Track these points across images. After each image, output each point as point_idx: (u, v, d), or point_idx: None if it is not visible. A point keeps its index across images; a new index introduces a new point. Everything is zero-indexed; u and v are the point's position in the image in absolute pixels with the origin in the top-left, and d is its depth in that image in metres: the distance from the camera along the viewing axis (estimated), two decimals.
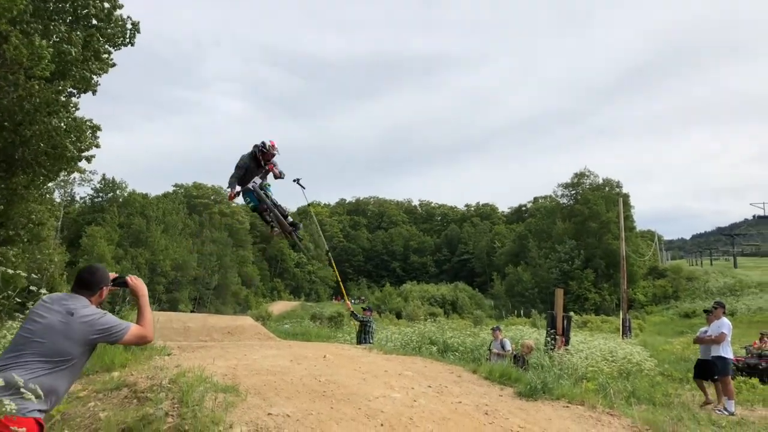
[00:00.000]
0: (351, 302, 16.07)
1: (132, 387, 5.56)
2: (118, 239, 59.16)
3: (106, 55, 16.21)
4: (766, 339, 16.37)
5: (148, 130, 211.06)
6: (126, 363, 6.55)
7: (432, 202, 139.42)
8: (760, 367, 14.55)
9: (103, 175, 63.82)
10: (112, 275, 3.65)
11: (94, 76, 16.09)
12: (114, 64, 16.70)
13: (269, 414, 4.54)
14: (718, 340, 10.59)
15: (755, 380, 13.52)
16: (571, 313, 23.11)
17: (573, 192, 75.99)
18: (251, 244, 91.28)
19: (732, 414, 9.90)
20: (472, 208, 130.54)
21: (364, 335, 14.22)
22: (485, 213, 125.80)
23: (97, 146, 16.15)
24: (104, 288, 3.55)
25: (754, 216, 52.62)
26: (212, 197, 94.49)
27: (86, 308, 3.34)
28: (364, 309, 15.96)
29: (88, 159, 16.15)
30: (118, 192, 64.70)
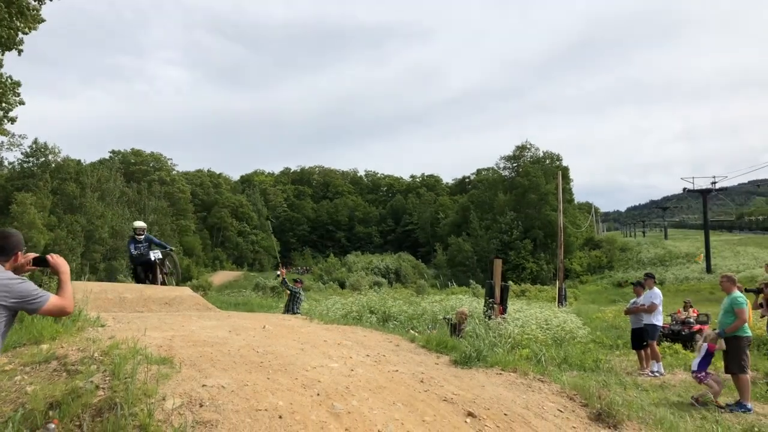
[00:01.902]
0: (285, 272, 16.23)
1: (62, 360, 5.40)
2: (51, 206, 56.86)
3: (33, 12, 15.28)
4: (689, 307, 17.27)
5: (86, 97, 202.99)
6: (56, 335, 6.35)
7: (378, 173, 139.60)
8: (683, 333, 15.35)
9: (35, 139, 60.94)
10: (31, 255, 3.59)
11: (20, 34, 15.19)
12: (43, 20, 15.76)
13: (204, 386, 4.51)
14: (650, 309, 11.21)
15: (678, 346, 14.28)
16: (510, 282, 23.81)
17: (514, 164, 77.46)
18: (192, 213, 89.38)
19: (661, 374, 10.56)
20: (418, 179, 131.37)
21: (292, 305, 14.47)
22: (430, 184, 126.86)
23: (21, 103, 15.36)
24: (18, 253, 3.48)
25: (684, 189, 54.87)
26: (151, 164, 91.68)
27: (3, 273, 3.31)
28: (294, 280, 16.18)
29: (12, 120, 15.33)
30: (50, 157, 61.90)
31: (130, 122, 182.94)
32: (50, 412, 4.15)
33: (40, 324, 6.45)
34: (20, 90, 15.01)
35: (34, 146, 60.83)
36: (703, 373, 8.23)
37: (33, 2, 14.98)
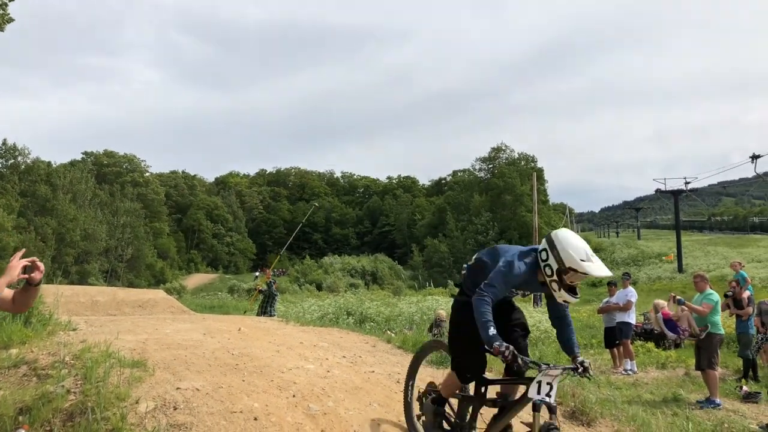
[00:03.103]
0: (270, 273, 16.13)
1: (32, 364, 5.30)
2: (20, 208, 55.74)
3: (0, 12, 14.94)
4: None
5: (57, 97, 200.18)
6: (26, 339, 6.22)
7: (354, 174, 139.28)
8: (656, 332, 15.60)
9: (4, 140, 59.74)
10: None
11: None
12: (11, 19, 15.41)
13: (178, 388, 4.46)
14: (626, 308, 11.40)
15: (651, 344, 14.50)
16: None
17: (490, 166, 78.11)
18: (166, 215, 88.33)
19: (634, 372, 10.73)
20: (394, 181, 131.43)
21: (268, 306, 14.38)
22: (406, 185, 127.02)
23: None
24: None
25: (656, 190, 55.82)
26: (124, 165, 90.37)
27: None
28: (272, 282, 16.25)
29: None
30: (19, 159, 60.70)
31: (103, 123, 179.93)
32: (20, 418, 4.07)
33: (9, 328, 6.32)
34: None
35: (2, 147, 59.63)
36: (685, 331, 8.46)
37: None
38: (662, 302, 8.85)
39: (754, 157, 36.34)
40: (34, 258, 3.15)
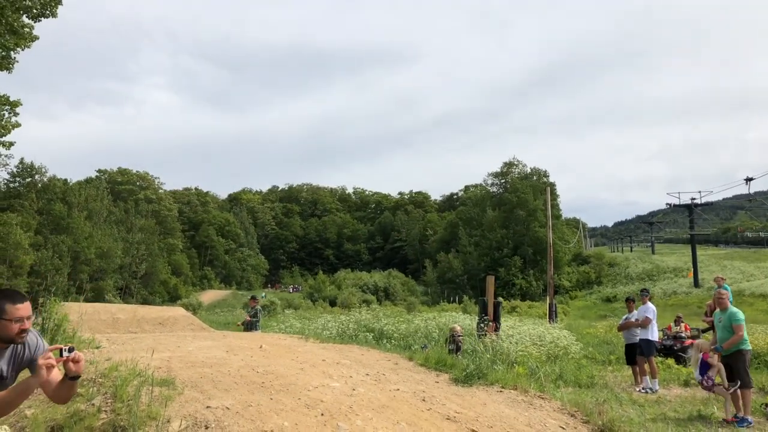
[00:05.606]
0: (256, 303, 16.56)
1: None
2: (37, 226, 56.31)
3: (26, 30, 15.21)
4: (681, 322, 17.34)
5: (74, 120, 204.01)
6: None
7: (366, 190, 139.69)
8: (675, 348, 15.39)
9: (21, 159, 60.47)
10: (56, 346, 2.90)
11: (12, 53, 15.12)
12: (36, 37, 15.70)
13: (208, 407, 4.47)
14: (644, 324, 11.27)
15: (671, 361, 14.30)
16: (500, 299, 23.83)
17: (502, 181, 77.93)
18: (180, 232, 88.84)
19: (655, 391, 10.56)
20: (406, 196, 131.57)
21: (255, 323, 15.25)
22: (418, 201, 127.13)
23: (17, 125, 15.24)
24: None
25: (670, 204, 55.53)
26: (138, 183, 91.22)
27: None
28: (252, 297, 16.98)
29: (6, 145, 15.22)
30: (36, 177, 61.41)
31: (119, 144, 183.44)
32: None
33: None
34: (19, 110, 14.84)
35: (20, 166, 60.36)
36: (709, 380, 8.22)
37: (27, 20, 14.91)
38: (706, 344, 8.64)
39: None
40: (68, 348, 2.88)
